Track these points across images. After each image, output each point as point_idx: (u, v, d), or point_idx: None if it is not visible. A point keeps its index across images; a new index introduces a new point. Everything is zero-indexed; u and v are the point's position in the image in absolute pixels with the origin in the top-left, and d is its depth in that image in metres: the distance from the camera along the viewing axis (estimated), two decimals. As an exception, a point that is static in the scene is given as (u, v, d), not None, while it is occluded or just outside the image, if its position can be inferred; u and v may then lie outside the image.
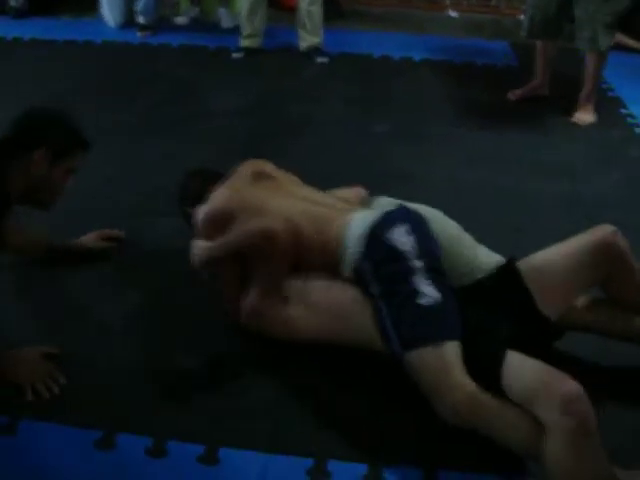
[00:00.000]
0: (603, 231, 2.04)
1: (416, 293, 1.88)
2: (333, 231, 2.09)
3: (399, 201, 2.20)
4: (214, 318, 2.31)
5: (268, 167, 2.39)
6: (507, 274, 2.07)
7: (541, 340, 2.04)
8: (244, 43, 4.64)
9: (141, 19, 4.91)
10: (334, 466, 1.84)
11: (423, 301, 1.87)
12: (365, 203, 2.34)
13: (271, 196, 2.22)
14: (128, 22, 5.03)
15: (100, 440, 1.89)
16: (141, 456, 1.85)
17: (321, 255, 2.12)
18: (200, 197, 2.27)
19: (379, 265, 1.98)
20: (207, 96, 4.04)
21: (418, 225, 2.05)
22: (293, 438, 1.92)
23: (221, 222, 2.17)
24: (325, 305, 2.08)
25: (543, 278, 2.02)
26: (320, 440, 1.91)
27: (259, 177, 2.31)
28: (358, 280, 2.04)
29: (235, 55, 4.60)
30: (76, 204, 2.91)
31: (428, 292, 1.88)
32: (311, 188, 2.35)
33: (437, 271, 1.96)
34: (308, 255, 2.12)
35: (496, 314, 2.01)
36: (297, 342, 2.13)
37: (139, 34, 4.89)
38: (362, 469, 1.83)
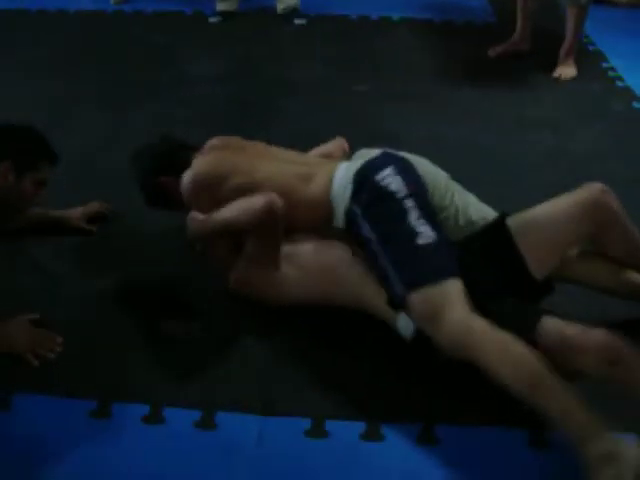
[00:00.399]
0: (593, 189, 2.04)
1: (413, 233, 1.87)
2: (320, 184, 2.08)
3: (382, 149, 2.17)
4: (206, 285, 2.30)
5: (237, 140, 2.37)
6: (497, 231, 2.06)
7: (531, 298, 2.04)
8: (220, 7, 4.57)
9: (114, -14, 4.81)
10: (332, 425, 1.84)
11: (421, 241, 1.87)
12: (348, 156, 2.34)
13: (257, 159, 2.20)
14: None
15: (95, 410, 1.89)
16: (138, 424, 1.85)
17: (311, 212, 2.11)
18: (181, 165, 2.23)
19: (370, 207, 1.97)
20: (186, 62, 3.97)
21: (403, 166, 2.04)
22: (289, 400, 1.93)
23: (212, 187, 2.14)
24: (314, 266, 2.08)
25: (532, 236, 2.01)
26: (316, 401, 1.92)
27: (236, 146, 2.30)
28: (349, 227, 2.02)
29: (212, 20, 4.53)
30: (61, 174, 2.90)
31: (424, 231, 1.88)
32: (291, 150, 2.34)
33: (428, 209, 1.96)
34: (298, 215, 2.10)
35: (487, 273, 2.00)
36: (288, 305, 2.13)
37: (112, 1, 4.78)
38: (360, 427, 1.84)
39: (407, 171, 2.03)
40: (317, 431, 1.83)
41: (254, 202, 2.05)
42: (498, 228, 2.07)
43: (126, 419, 1.87)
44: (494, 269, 2.00)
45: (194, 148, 2.32)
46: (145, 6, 4.75)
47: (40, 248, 2.50)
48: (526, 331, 1.79)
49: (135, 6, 4.76)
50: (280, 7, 4.58)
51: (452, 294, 1.82)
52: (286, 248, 2.12)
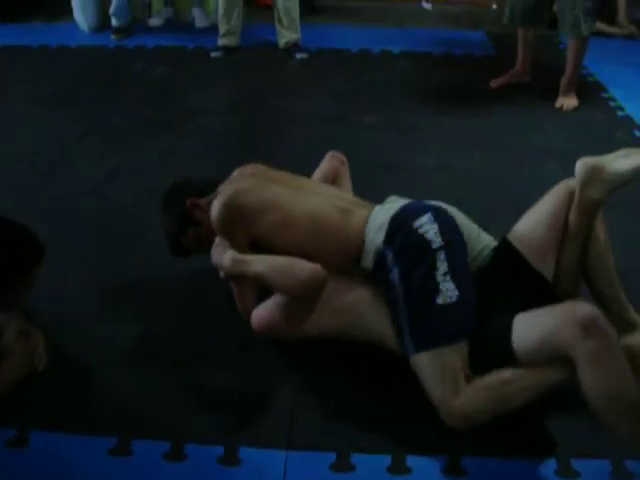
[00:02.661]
0: (568, 183, 2.09)
1: (436, 290, 1.84)
2: (356, 222, 2.04)
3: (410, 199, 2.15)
4: (226, 319, 2.26)
5: (262, 168, 2.28)
6: (503, 251, 2.06)
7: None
8: (222, 42, 4.60)
9: (114, 22, 4.84)
10: (357, 458, 1.82)
11: (440, 300, 1.84)
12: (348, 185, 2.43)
13: (298, 192, 2.11)
14: (101, 26, 4.95)
15: (115, 447, 1.85)
16: (159, 460, 1.81)
17: (343, 246, 2.04)
18: (206, 191, 2.17)
19: (402, 254, 1.92)
20: (189, 96, 3.99)
21: (440, 214, 2.00)
22: (313, 434, 1.90)
23: (247, 215, 2.03)
24: (334, 304, 2.03)
25: (533, 244, 2.03)
26: (341, 434, 1.89)
27: (262, 175, 2.21)
28: (377, 268, 1.98)
29: (214, 54, 4.55)
30: (63, 206, 2.90)
31: (447, 289, 1.84)
32: (318, 182, 2.33)
33: (460, 260, 1.93)
34: (330, 248, 2.04)
35: (500, 293, 2.00)
36: (306, 339, 2.10)
37: (113, 37, 4.81)
38: (386, 460, 1.81)
39: (444, 219, 1.98)
40: (343, 464, 1.80)
41: (299, 272, 1.93)
42: (503, 247, 2.07)
43: (147, 456, 1.83)
44: (515, 289, 2.00)
45: (218, 181, 2.21)
46: (146, 41, 4.78)
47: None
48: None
49: (136, 41, 4.79)
50: (281, 42, 4.61)
51: (451, 363, 1.81)
52: None
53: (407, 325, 1.87)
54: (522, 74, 4.13)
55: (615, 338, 1.69)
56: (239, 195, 2.05)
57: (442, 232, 1.91)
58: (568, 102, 3.89)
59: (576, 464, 1.82)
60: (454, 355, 1.82)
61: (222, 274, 2.06)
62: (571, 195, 2.05)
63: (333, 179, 2.44)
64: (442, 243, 1.89)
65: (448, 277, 1.85)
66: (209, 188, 2.18)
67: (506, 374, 1.80)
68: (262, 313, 2.04)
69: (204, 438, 1.87)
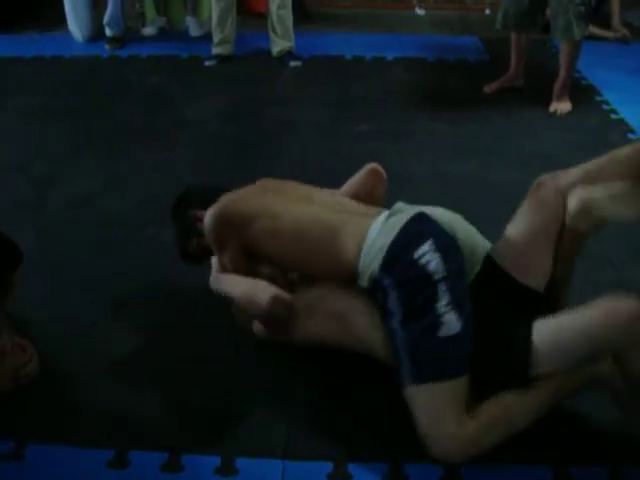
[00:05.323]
0: (540, 186, 2.01)
1: (438, 323, 1.77)
2: (350, 242, 1.96)
3: (417, 207, 2.03)
4: (224, 330, 2.26)
5: (272, 181, 2.28)
6: (487, 270, 1.99)
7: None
8: (216, 50, 4.61)
9: (108, 32, 4.85)
10: (355, 468, 1.82)
11: (442, 333, 1.76)
12: (381, 205, 2.27)
13: (291, 202, 2.09)
14: (95, 35, 4.96)
15: (113, 459, 1.84)
16: (157, 472, 1.81)
17: (334, 267, 2.01)
18: (208, 201, 2.14)
19: (403, 284, 1.84)
20: (183, 105, 3.99)
21: (443, 237, 1.90)
22: (309, 443, 1.89)
23: (235, 225, 2.04)
24: (325, 312, 2.03)
25: (517, 257, 1.95)
26: (337, 443, 1.89)
27: (265, 186, 2.22)
28: (373, 292, 1.94)
29: (208, 63, 4.56)
30: (64, 217, 2.90)
31: (449, 321, 1.77)
32: (325, 190, 2.25)
33: (461, 288, 1.84)
34: (319, 266, 2.03)
35: (490, 310, 1.93)
36: (303, 346, 2.11)
37: (107, 47, 4.82)
38: (383, 468, 1.81)
39: (446, 244, 1.88)
40: (340, 474, 1.80)
41: (259, 300, 1.97)
42: (489, 269, 1.99)
43: (144, 468, 1.82)
44: (503, 304, 1.95)
45: (224, 190, 2.21)
46: (140, 50, 4.79)
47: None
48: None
49: (130, 50, 4.80)
50: (275, 50, 4.62)
51: (452, 401, 1.75)
52: (301, 291, 2.08)
53: (408, 357, 1.80)
54: (515, 79, 4.14)
55: None
56: (227, 206, 2.07)
57: (445, 262, 1.82)
58: (562, 106, 3.90)
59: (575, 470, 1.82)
60: (458, 388, 1.76)
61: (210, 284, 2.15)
62: (553, 199, 1.97)
63: (368, 194, 2.32)
64: (445, 274, 1.80)
65: (450, 307, 1.77)
66: (214, 197, 2.15)
67: (508, 399, 1.77)
68: (256, 324, 2.12)
69: (201, 449, 1.87)
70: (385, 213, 2.01)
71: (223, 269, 2.12)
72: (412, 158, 3.38)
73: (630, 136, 3.62)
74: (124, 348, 2.24)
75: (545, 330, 1.77)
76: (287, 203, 2.08)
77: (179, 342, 2.27)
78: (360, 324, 1.97)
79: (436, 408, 1.75)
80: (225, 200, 2.10)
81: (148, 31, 5.09)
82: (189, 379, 2.12)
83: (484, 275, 1.97)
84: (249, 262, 2.10)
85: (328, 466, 1.82)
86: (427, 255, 1.82)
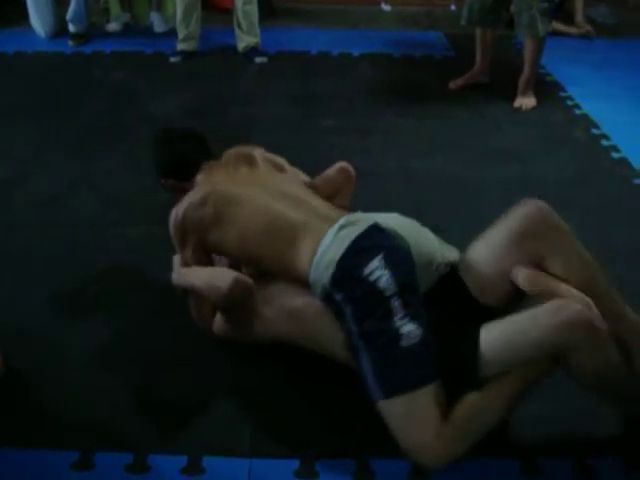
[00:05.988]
0: (526, 209, 1.93)
1: (397, 335, 1.75)
2: (306, 245, 1.95)
3: (373, 215, 2.01)
4: (189, 330, 2.24)
5: (257, 152, 2.30)
6: (452, 281, 1.97)
7: None
8: (180, 47, 4.58)
9: (72, 28, 4.78)
10: (322, 466, 1.81)
11: (404, 343, 1.74)
12: (347, 202, 2.34)
13: (249, 195, 2.08)
14: (58, 31, 4.89)
15: (77, 461, 1.82)
16: (122, 474, 1.79)
17: (288, 269, 2.01)
18: (182, 173, 2.25)
19: (355, 301, 1.83)
20: (148, 102, 3.95)
21: (393, 251, 1.87)
22: (276, 442, 1.89)
23: (192, 229, 2.09)
24: (284, 309, 2.03)
25: (481, 273, 1.92)
26: (304, 441, 1.89)
27: (241, 164, 2.23)
28: (327, 303, 1.92)
29: (172, 59, 4.53)
30: (31, 217, 2.86)
31: (409, 331, 1.75)
32: (294, 180, 2.25)
33: (414, 300, 1.82)
34: (274, 265, 2.04)
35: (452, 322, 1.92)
36: (266, 344, 2.10)
37: (71, 43, 4.76)
38: (350, 465, 1.81)
39: (397, 258, 1.86)
40: (307, 471, 1.80)
41: (219, 281, 2.00)
42: (451, 278, 1.98)
43: (110, 469, 1.80)
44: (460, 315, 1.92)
45: (209, 156, 2.30)
46: (104, 47, 4.74)
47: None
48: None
49: (94, 47, 4.74)
50: (241, 46, 4.60)
51: (426, 408, 1.74)
52: (260, 286, 2.07)
53: (372, 372, 1.78)
54: (480, 74, 4.17)
55: (605, 329, 1.73)
56: (187, 213, 2.10)
57: (395, 277, 1.80)
58: (526, 102, 3.93)
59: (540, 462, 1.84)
60: (429, 395, 1.74)
61: (177, 290, 2.18)
62: (528, 221, 1.91)
63: (336, 192, 2.35)
64: (396, 289, 1.79)
65: (407, 320, 1.76)
66: (193, 168, 2.25)
67: (478, 399, 1.76)
68: (217, 321, 2.14)
69: (167, 448, 1.86)
70: (341, 221, 1.96)
71: (185, 265, 2.15)
72: (377, 154, 3.39)
73: (594, 131, 3.67)
74: (90, 348, 2.21)
75: (493, 332, 1.78)
76: (250, 201, 2.07)
77: (144, 342, 2.24)
78: (320, 326, 1.96)
79: (410, 419, 1.74)
80: (187, 203, 2.11)
81: (112, 27, 5.04)
82: (154, 379, 2.10)
83: (444, 285, 1.96)
84: (209, 257, 2.16)
85: (295, 463, 1.82)
86: (377, 271, 1.80)
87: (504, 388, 1.78)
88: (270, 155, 2.34)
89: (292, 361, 2.09)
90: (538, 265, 1.88)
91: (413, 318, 1.77)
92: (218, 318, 2.14)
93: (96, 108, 3.89)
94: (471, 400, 1.77)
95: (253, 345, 2.13)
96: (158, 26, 5.01)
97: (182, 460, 1.82)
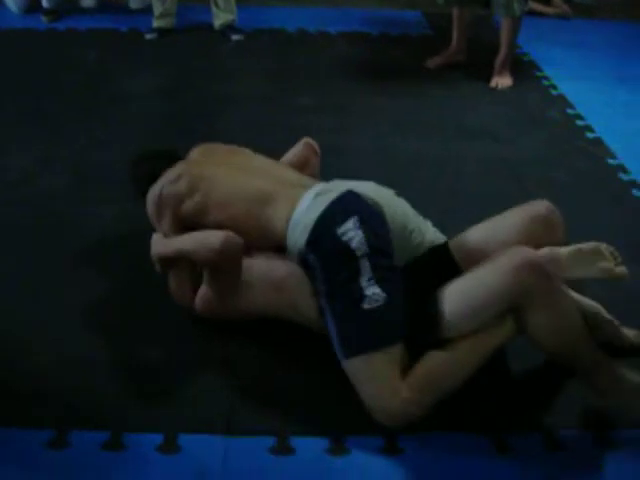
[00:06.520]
0: (538, 207, 2.02)
1: (361, 297, 1.80)
2: (279, 211, 2.03)
3: (349, 182, 2.07)
4: (165, 304, 2.24)
5: (220, 147, 2.40)
6: (441, 255, 2.04)
7: None
8: (156, 23, 4.53)
9: (45, 3, 4.70)
10: (297, 442, 1.83)
11: (367, 305, 1.80)
12: (315, 174, 2.39)
13: (224, 174, 2.17)
14: (31, 7, 4.80)
15: (52, 440, 1.82)
16: (97, 451, 1.79)
17: (264, 238, 2.08)
18: (153, 179, 2.25)
19: (326, 259, 1.89)
20: (123, 79, 3.91)
21: (368, 215, 1.93)
22: (251, 419, 1.90)
23: (173, 204, 2.16)
24: (265, 280, 2.05)
25: (475, 252, 1.98)
26: (280, 419, 1.90)
27: (210, 154, 2.31)
28: (302, 265, 1.99)
29: (148, 36, 4.48)
30: (5, 194, 2.85)
31: (373, 294, 1.80)
32: (264, 159, 2.31)
33: (385, 265, 1.87)
34: (251, 236, 2.08)
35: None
36: (248, 319, 2.12)
37: (44, 19, 4.68)
38: (325, 442, 1.83)
39: (371, 221, 1.92)
40: (282, 448, 1.81)
41: (210, 239, 2.03)
42: (442, 252, 2.05)
43: (85, 447, 1.80)
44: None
45: (176, 158, 2.34)
46: (78, 24, 4.67)
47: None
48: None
49: (68, 24, 4.67)
50: (217, 23, 4.56)
51: (384, 366, 1.78)
52: (244, 260, 2.09)
53: (335, 332, 1.85)
54: (457, 53, 4.17)
55: (559, 278, 1.78)
56: (160, 189, 2.18)
57: (367, 239, 1.85)
58: (502, 81, 3.94)
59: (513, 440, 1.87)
60: (388, 358, 1.79)
61: (157, 267, 2.18)
62: (538, 220, 1.99)
63: (302, 167, 2.42)
64: (367, 250, 1.84)
65: (373, 282, 1.81)
66: (164, 165, 2.29)
67: (435, 358, 1.80)
68: (200, 293, 2.14)
69: (142, 426, 1.86)
70: (317, 188, 2.04)
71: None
72: (354, 132, 3.39)
73: (568, 111, 3.69)
74: (64, 325, 2.20)
75: (453, 291, 1.83)
76: (220, 174, 2.16)
77: (122, 319, 2.25)
78: (301, 295, 1.99)
79: (370, 378, 1.79)
80: (163, 180, 2.20)
81: (87, 3, 4.94)
82: (130, 357, 2.10)
83: (434, 260, 2.02)
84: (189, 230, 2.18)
85: (271, 440, 1.83)
86: (350, 232, 1.86)
87: (464, 348, 1.81)
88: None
89: (269, 337, 2.11)
90: None
91: (379, 281, 1.82)
92: (201, 293, 2.14)
93: (70, 85, 3.83)
94: (431, 360, 1.80)
95: (231, 322, 2.14)
96: (134, 3, 4.93)
97: (158, 438, 1.83)
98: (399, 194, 2.14)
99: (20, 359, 2.07)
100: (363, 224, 1.87)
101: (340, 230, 1.87)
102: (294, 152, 2.48)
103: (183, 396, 1.97)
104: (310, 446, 1.83)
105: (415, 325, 1.84)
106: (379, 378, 1.78)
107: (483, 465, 1.80)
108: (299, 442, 1.83)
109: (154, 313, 2.25)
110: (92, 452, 1.79)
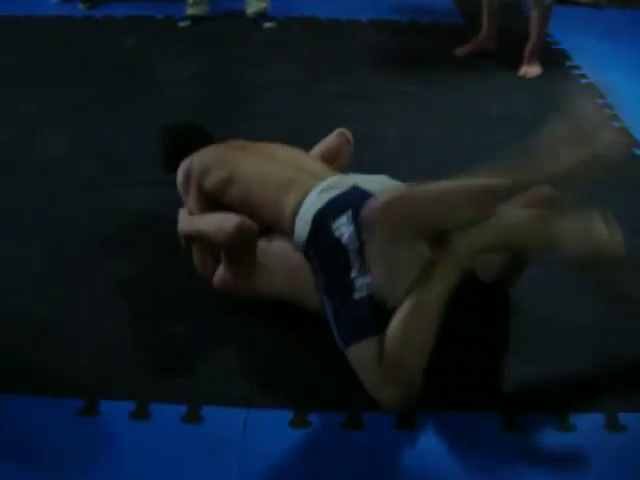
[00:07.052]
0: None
1: (351, 288, 1.87)
2: (290, 202, 2.07)
3: (359, 177, 2.12)
4: (190, 281, 2.34)
5: (249, 143, 2.47)
6: None
7: None
8: (190, 11, 4.60)
9: (82, -9, 4.81)
10: (314, 416, 1.91)
11: (357, 296, 1.86)
12: (346, 164, 2.46)
13: (243, 155, 2.29)
14: (69, -5, 4.92)
15: (83, 408, 1.92)
16: (125, 420, 1.89)
17: (277, 222, 2.14)
18: (186, 154, 2.38)
19: (322, 254, 1.97)
20: (157, 67, 4.00)
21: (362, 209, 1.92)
22: (272, 393, 1.98)
23: (199, 180, 2.27)
24: (282, 266, 2.15)
25: None
26: (299, 393, 1.98)
27: (240, 144, 2.42)
28: (307, 259, 2.06)
29: (182, 24, 4.56)
30: (34, 179, 2.93)
31: (362, 285, 1.86)
32: (290, 149, 2.37)
33: None
34: (266, 216, 2.16)
35: None
36: (267, 299, 2.20)
37: (81, 7, 4.78)
38: (340, 417, 1.90)
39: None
40: (300, 421, 1.89)
41: (226, 223, 2.13)
42: None
43: (113, 416, 1.90)
44: None
45: (210, 138, 2.50)
46: (114, 11, 4.76)
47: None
48: None
49: (104, 11, 4.76)
50: (250, 10, 4.63)
51: (375, 354, 1.82)
52: (260, 244, 2.18)
53: (333, 323, 1.92)
54: (487, 41, 4.18)
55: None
56: (190, 163, 2.32)
57: (358, 234, 1.89)
58: (531, 70, 3.95)
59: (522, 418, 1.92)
60: (379, 343, 1.83)
61: (182, 242, 2.29)
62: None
63: (334, 156, 2.48)
64: (358, 245, 1.88)
65: (362, 273, 1.87)
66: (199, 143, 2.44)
67: (390, 333, 1.81)
68: (218, 272, 2.24)
69: (168, 397, 1.95)
70: (325, 183, 2.07)
71: (190, 214, 2.32)
72: (382, 120, 3.43)
73: (598, 101, 3.69)
74: (93, 299, 2.32)
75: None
76: (246, 157, 2.26)
77: (146, 293, 2.35)
78: (309, 284, 2.04)
79: (366, 365, 1.85)
80: (192, 158, 2.34)
81: (122, -10, 5.05)
82: (156, 330, 2.20)
83: None
84: (212, 208, 2.27)
85: (289, 414, 1.91)
86: (343, 227, 1.93)
87: (405, 311, 1.81)
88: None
89: (290, 316, 2.18)
90: None
91: (368, 271, 1.86)
92: (219, 272, 2.24)
93: (104, 73, 3.93)
94: (387, 339, 1.82)
95: (249, 301, 2.22)
96: (168, -10, 5.02)
97: (182, 409, 1.92)
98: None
99: (53, 336, 2.17)
100: (356, 218, 1.90)
101: (334, 225, 1.94)
102: (327, 142, 2.52)
103: (206, 368, 2.06)
104: (327, 420, 1.90)
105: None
106: (371, 364, 1.83)
107: (494, 442, 1.86)
108: (316, 416, 1.91)
109: (179, 293, 2.35)
110: (121, 421, 1.89)
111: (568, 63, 4.15)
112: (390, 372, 1.79)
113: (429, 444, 1.85)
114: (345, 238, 1.91)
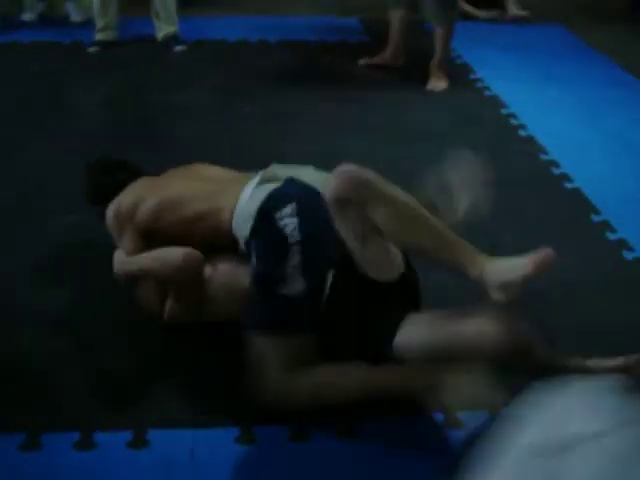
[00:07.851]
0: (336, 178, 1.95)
1: (282, 281, 1.88)
2: (224, 207, 2.09)
3: (289, 168, 2.16)
4: (128, 311, 2.33)
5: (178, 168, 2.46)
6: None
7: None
8: (99, 37, 4.58)
9: (-14, 17, 4.72)
10: (260, 432, 1.94)
11: (284, 290, 1.88)
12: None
13: (167, 181, 2.31)
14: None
15: (25, 442, 1.89)
16: (70, 451, 1.87)
17: (215, 233, 2.14)
18: (114, 191, 2.32)
19: (263, 244, 1.98)
20: (67, 93, 3.95)
21: (306, 202, 1.98)
22: (217, 412, 2.00)
23: (123, 218, 2.22)
24: (236, 287, 2.13)
25: None
26: (243, 410, 1.99)
27: (168, 173, 2.41)
28: (248, 256, 2.06)
29: (91, 49, 4.53)
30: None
31: (293, 282, 1.88)
32: (218, 168, 2.39)
33: (319, 256, 1.94)
34: (202, 236, 2.16)
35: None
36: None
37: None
38: (286, 432, 1.94)
39: (308, 210, 1.95)
40: (246, 438, 1.92)
41: (171, 257, 2.13)
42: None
43: (57, 448, 1.88)
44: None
45: (137, 174, 2.42)
46: (21, 37, 4.69)
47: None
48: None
49: (12, 37, 4.69)
50: (160, 34, 4.64)
51: (280, 352, 1.87)
52: (206, 272, 2.18)
53: (254, 304, 1.96)
54: (393, 59, 4.33)
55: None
56: (118, 203, 2.26)
57: (301, 227, 1.91)
58: (437, 84, 4.12)
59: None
60: (288, 344, 1.87)
61: (122, 282, 2.27)
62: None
63: None
64: (299, 238, 1.90)
65: (297, 270, 1.88)
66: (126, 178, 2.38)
67: (350, 369, 1.89)
68: (167, 308, 2.22)
69: (112, 424, 1.95)
70: (257, 178, 2.12)
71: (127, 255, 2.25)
72: (298, 138, 3.49)
73: (503, 111, 3.87)
74: (35, 326, 2.29)
75: (417, 322, 1.92)
76: (172, 181, 2.28)
77: (85, 319, 2.34)
78: None
79: (261, 357, 1.88)
80: (118, 200, 2.28)
81: (27, 17, 4.98)
82: (95, 358, 2.19)
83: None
84: (149, 246, 2.23)
85: (235, 431, 1.93)
86: (287, 218, 1.92)
87: (380, 378, 1.90)
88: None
89: (232, 334, 2.14)
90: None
91: (305, 271, 1.89)
92: (168, 307, 2.22)
93: (10, 102, 3.85)
94: (344, 369, 1.90)
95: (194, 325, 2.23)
96: (74, 15, 4.97)
97: (127, 435, 1.91)
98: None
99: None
100: (300, 211, 1.93)
101: (277, 215, 1.94)
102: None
103: (149, 392, 2.06)
104: (272, 436, 1.93)
105: (368, 336, 1.95)
106: (270, 357, 1.87)
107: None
108: (262, 432, 1.94)
109: (115, 321, 2.33)
110: (64, 453, 1.87)
111: (472, 76, 4.35)
112: (289, 387, 1.86)
113: (371, 451, 1.91)
114: (288, 230, 1.91)
